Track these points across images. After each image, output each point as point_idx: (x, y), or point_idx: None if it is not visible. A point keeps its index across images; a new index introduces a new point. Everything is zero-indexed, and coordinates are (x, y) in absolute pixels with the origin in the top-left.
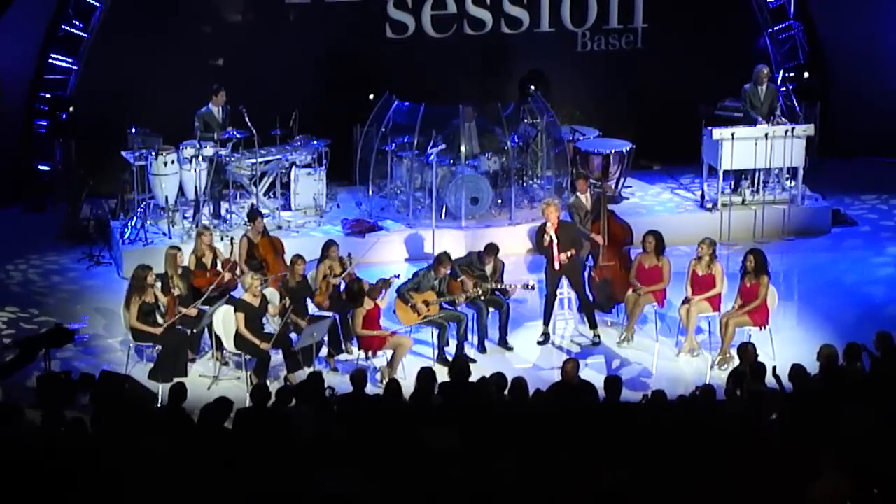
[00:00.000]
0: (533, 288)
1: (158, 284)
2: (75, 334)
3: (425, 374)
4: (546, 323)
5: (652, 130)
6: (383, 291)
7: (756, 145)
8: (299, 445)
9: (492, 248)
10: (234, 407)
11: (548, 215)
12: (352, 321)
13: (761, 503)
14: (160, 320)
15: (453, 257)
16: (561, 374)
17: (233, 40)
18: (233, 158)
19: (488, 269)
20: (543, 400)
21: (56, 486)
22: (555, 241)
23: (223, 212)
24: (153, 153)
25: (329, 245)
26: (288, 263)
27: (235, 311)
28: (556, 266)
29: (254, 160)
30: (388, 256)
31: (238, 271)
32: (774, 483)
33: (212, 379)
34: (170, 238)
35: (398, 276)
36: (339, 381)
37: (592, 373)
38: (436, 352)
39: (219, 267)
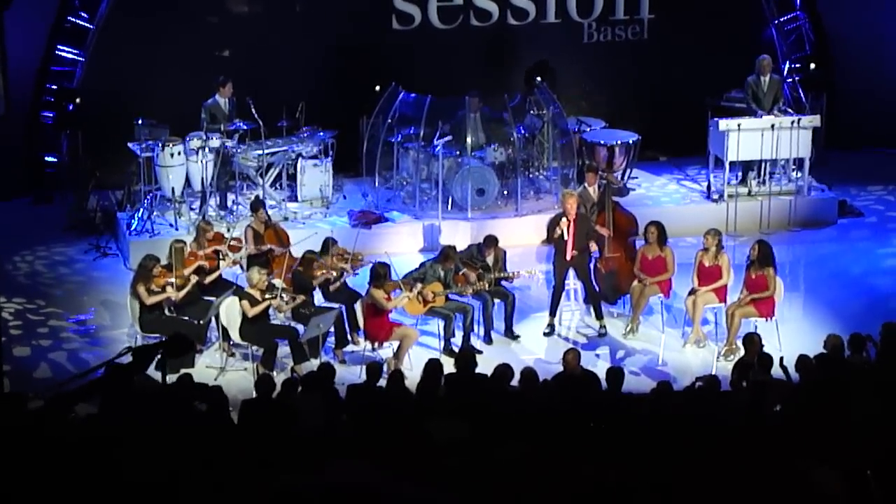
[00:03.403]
0: (533, 274)
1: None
2: (196, 344)
3: (432, 366)
4: (552, 314)
5: (658, 121)
6: (398, 290)
7: (762, 136)
8: (305, 436)
9: (491, 240)
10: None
11: (566, 206)
12: (369, 304)
13: (766, 493)
14: (167, 312)
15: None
16: (562, 364)
17: (239, 32)
18: (239, 150)
19: (489, 259)
20: (547, 390)
21: (61, 475)
22: (567, 233)
23: (229, 203)
24: (160, 145)
25: (327, 242)
26: (299, 260)
27: (240, 300)
28: (568, 257)
29: (260, 151)
30: (394, 247)
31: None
32: (779, 473)
33: (219, 370)
34: (176, 229)
35: (387, 255)
36: (346, 373)
37: (601, 363)
38: (442, 343)
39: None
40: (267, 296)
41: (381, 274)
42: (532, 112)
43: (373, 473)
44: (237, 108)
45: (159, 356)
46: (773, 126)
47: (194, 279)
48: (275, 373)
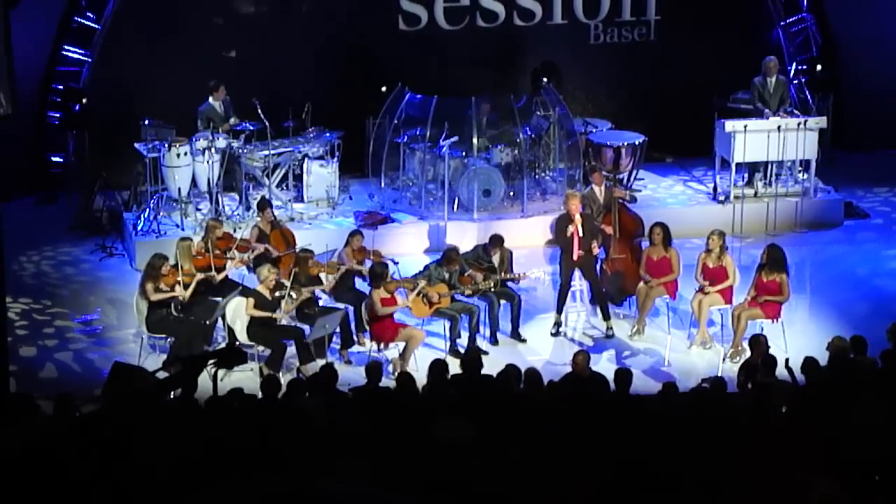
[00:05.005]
0: (540, 277)
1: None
2: (247, 355)
3: (438, 367)
4: (559, 312)
5: (664, 123)
6: (402, 290)
7: (769, 138)
8: (311, 437)
9: (497, 240)
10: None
11: (570, 207)
12: (369, 306)
13: (770, 496)
14: (174, 312)
15: (463, 250)
16: (571, 366)
17: (245, 32)
18: (245, 150)
19: (495, 260)
20: (554, 392)
21: (67, 475)
22: (579, 232)
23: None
24: (166, 145)
25: (353, 234)
26: (294, 260)
27: (246, 297)
28: (575, 257)
29: (266, 152)
30: (400, 248)
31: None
32: (784, 475)
33: (224, 371)
34: (182, 230)
35: (397, 263)
36: (352, 373)
37: (607, 364)
38: (448, 344)
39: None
40: (276, 294)
41: (378, 273)
42: (538, 113)
43: (364, 487)
44: (232, 106)
45: (210, 367)
46: (779, 127)
47: (199, 276)
48: (280, 373)
